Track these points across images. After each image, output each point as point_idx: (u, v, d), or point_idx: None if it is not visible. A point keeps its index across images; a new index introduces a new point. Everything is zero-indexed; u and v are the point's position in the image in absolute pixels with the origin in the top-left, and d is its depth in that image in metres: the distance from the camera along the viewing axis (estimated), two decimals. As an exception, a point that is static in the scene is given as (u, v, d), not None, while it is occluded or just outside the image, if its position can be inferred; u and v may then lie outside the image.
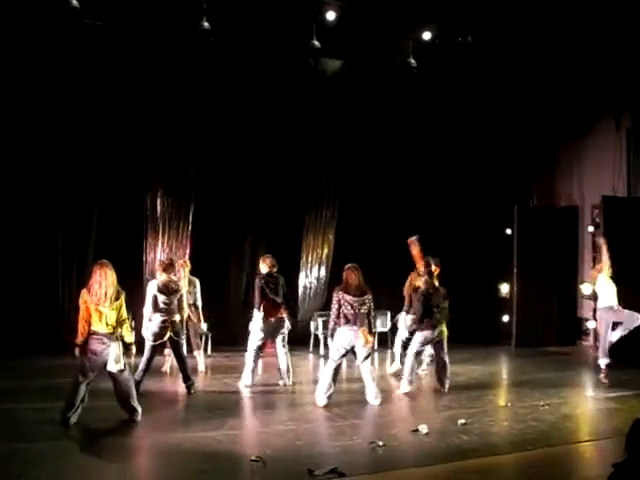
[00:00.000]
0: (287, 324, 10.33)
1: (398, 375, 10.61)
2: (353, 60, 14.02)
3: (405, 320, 11.16)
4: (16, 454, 6.63)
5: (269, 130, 14.15)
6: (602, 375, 10.83)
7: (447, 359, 10.18)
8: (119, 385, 7.87)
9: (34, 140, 12.69)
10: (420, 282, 10.62)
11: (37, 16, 11.46)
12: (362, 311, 9.04)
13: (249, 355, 10.15)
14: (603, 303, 11.04)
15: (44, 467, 6.34)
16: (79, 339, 7.66)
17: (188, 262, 11.60)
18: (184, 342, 10.11)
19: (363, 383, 9.23)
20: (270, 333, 10.19)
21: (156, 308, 9.59)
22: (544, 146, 16.11)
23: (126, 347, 8.01)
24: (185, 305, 10.31)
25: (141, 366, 9.48)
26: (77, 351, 7.68)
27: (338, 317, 9.07)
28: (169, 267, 9.91)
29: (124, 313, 7.94)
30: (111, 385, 7.93)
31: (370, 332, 9.12)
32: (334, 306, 9.11)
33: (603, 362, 10.90)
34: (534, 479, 6.32)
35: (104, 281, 7.72)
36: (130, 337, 8.09)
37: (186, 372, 9.76)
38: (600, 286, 11.11)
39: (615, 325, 10.92)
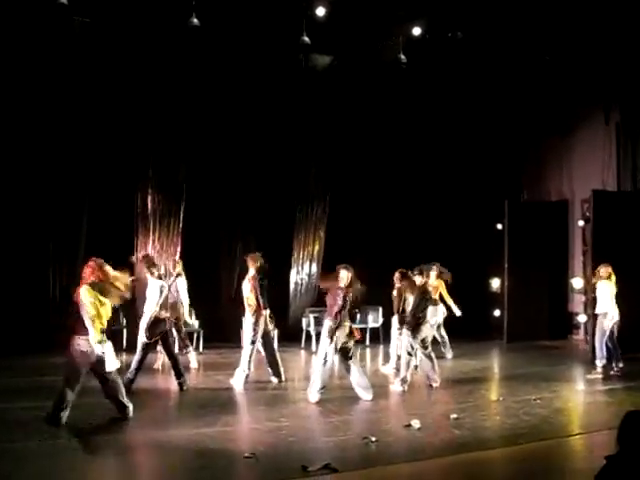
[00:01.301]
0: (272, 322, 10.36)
1: (398, 369, 10.50)
2: (343, 56, 14.02)
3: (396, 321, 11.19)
4: (7, 453, 6.60)
5: (259, 127, 14.14)
6: (598, 375, 10.88)
7: (433, 355, 10.20)
8: (108, 383, 7.79)
9: (23, 137, 12.66)
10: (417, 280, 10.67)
11: (25, 13, 11.40)
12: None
13: (246, 353, 10.11)
14: (602, 308, 11.11)
15: (36, 466, 6.31)
16: (98, 336, 7.47)
17: (180, 261, 11.66)
18: (175, 339, 10.12)
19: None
20: (261, 330, 10.17)
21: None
22: (534, 141, 16.15)
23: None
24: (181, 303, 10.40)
25: (134, 364, 9.46)
26: (101, 347, 7.46)
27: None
28: (154, 265, 10.00)
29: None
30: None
31: None
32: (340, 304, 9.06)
33: (600, 362, 10.99)
34: (527, 473, 6.34)
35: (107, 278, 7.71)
36: None
37: (178, 368, 9.75)
38: (601, 291, 11.16)
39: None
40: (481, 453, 6.88)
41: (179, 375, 9.72)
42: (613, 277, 11.02)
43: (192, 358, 11.42)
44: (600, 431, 7.47)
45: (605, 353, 10.97)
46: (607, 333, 10.97)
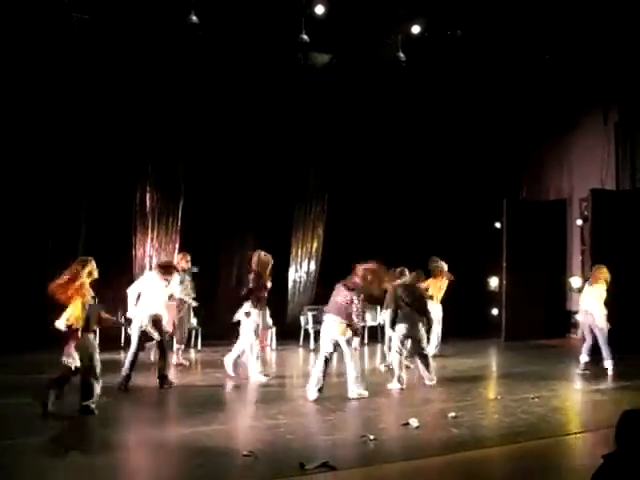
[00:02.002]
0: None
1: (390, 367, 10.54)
2: (342, 54, 14.03)
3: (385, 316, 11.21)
4: (8, 450, 6.60)
5: (258, 125, 14.14)
6: (579, 370, 11.01)
7: (428, 353, 10.23)
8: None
9: (22, 134, 12.64)
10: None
11: (24, 10, 11.39)
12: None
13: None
14: (583, 306, 11.18)
15: (37, 463, 6.31)
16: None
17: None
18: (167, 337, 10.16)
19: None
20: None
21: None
22: (533, 139, 16.16)
23: None
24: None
25: (128, 361, 9.45)
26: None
27: None
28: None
29: None
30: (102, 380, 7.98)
31: None
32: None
33: (582, 358, 11.09)
34: (525, 471, 6.34)
35: None
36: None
37: (163, 364, 9.70)
38: (584, 289, 11.27)
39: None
40: (479, 451, 6.87)
41: (162, 376, 9.68)
42: (601, 281, 11.00)
43: (175, 356, 11.33)
44: (598, 430, 7.47)
45: (588, 350, 11.10)
46: (588, 328, 11.05)
